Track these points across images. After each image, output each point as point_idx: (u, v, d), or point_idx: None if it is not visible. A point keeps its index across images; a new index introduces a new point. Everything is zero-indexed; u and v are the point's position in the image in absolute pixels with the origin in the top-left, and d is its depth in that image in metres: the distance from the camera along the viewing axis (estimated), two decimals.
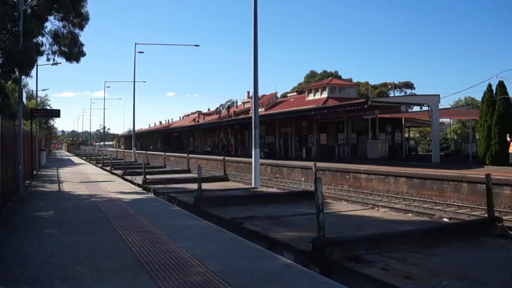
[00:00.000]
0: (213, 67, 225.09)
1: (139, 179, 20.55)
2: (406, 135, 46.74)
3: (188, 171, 26.37)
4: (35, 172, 25.15)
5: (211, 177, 22.37)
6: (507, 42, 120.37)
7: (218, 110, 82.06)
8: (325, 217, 6.97)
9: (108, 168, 30.09)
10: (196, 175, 16.24)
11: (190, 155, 35.86)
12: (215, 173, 32.66)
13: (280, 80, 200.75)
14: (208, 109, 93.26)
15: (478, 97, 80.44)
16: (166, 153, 39.15)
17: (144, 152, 47.97)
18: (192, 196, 12.89)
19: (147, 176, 19.96)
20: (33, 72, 17.25)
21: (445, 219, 15.43)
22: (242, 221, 9.69)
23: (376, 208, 17.68)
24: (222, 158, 26.50)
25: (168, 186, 18.40)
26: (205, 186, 15.04)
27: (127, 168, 26.10)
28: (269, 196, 14.79)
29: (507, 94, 26.92)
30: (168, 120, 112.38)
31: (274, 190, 19.05)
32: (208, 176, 23.24)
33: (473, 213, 17.00)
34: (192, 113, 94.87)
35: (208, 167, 41.78)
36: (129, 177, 22.99)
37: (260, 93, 45.47)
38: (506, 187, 17.80)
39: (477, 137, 29.21)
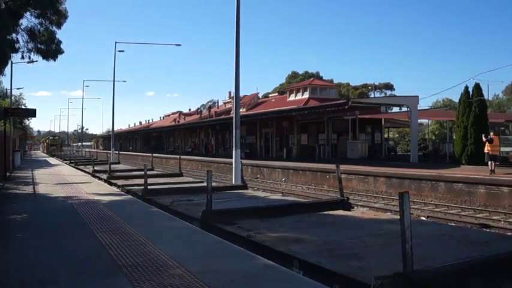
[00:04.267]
0: (194, 67, 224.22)
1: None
2: (386, 135, 47.03)
3: (243, 186, 18.66)
4: (8, 174, 24.63)
5: None
6: (483, 46, 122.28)
7: (199, 110, 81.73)
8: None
9: (85, 170, 29.71)
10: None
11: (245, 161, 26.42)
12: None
13: (261, 81, 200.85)
14: (189, 109, 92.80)
15: (456, 99, 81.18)
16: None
17: (151, 154, 42.92)
18: None
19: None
20: (7, 70, 16.95)
21: (422, 218, 15.59)
22: None
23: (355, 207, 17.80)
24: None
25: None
26: None
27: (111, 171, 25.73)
28: None
29: (483, 96, 27.51)
30: (148, 121, 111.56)
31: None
32: None
33: (450, 211, 17.20)
34: (173, 113, 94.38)
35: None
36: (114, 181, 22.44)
37: (241, 94, 45.27)
38: (480, 186, 18.19)
39: (454, 137, 29.61)
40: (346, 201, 12.25)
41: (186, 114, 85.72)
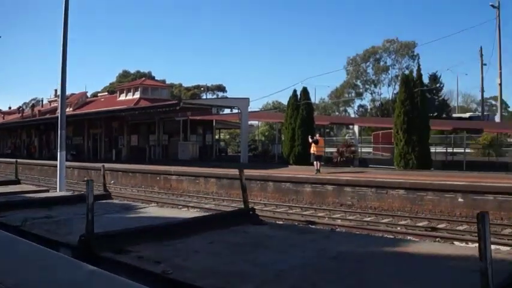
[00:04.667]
0: (16, 62, 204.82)
1: None
2: (217, 136, 47.76)
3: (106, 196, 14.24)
4: None
5: None
6: (312, 51, 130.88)
7: (21, 109, 75.58)
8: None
9: None
10: None
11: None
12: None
13: (91, 79, 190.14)
14: (10, 107, 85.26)
15: (285, 101, 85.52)
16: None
17: None
18: None
19: None
20: None
21: None
22: None
23: (186, 209, 17.35)
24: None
25: None
26: None
27: None
28: None
29: (310, 99, 29.09)
30: None
31: None
32: None
33: (278, 210, 17.54)
34: None
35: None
36: None
37: (69, 92, 42.48)
38: (306, 185, 19.07)
39: (283, 138, 30.83)
40: (254, 213, 9.55)
41: (5, 113, 78.99)
